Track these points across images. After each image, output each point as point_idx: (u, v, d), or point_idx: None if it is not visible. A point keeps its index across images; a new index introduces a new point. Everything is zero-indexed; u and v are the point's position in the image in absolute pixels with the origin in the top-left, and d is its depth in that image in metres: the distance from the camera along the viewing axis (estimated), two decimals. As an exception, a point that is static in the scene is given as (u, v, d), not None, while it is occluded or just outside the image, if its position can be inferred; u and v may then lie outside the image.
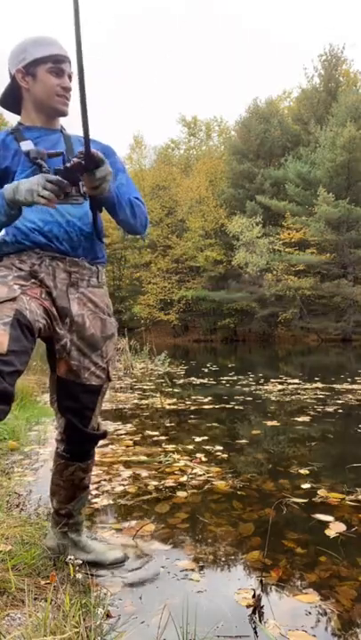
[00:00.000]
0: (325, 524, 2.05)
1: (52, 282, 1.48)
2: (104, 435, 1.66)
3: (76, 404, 1.55)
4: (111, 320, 1.61)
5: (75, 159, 1.35)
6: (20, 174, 1.50)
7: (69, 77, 1.59)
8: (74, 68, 1.55)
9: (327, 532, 1.97)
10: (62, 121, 1.68)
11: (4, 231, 1.50)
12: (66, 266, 1.51)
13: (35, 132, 1.59)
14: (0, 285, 1.37)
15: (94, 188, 1.39)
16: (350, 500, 2.31)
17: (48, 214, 1.49)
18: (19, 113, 1.64)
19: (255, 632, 1.33)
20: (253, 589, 1.48)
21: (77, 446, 1.61)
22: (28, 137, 1.56)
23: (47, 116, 1.61)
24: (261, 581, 1.59)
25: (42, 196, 1.31)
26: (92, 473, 2.74)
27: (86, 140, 1.31)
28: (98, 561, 1.68)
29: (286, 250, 23.55)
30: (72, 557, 1.52)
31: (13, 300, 1.33)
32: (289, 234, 23.75)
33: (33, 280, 1.46)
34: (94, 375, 1.55)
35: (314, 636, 1.32)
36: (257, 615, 1.39)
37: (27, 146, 1.53)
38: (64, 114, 1.62)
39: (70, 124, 1.71)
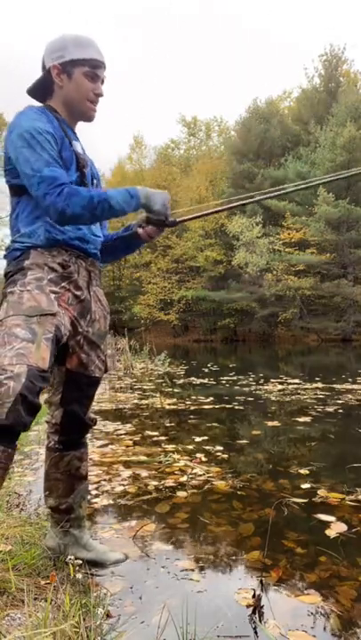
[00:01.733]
0: (326, 524, 2.05)
1: (82, 281, 1.55)
2: (95, 422, 1.74)
3: (81, 394, 1.63)
4: (108, 318, 1.71)
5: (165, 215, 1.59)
6: (71, 177, 1.52)
7: (102, 82, 1.61)
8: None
9: (327, 532, 1.97)
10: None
11: (38, 223, 1.50)
12: (87, 265, 1.59)
13: (70, 132, 1.60)
14: (39, 293, 1.41)
15: (150, 239, 1.69)
16: (350, 500, 2.31)
17: None
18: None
19: (255, 632, 1.33)
20: (253, 589, 1.48)
21: (74, 435, 1.66)
22: (70, 135, 1.58)
23: (74, 117, 1.63)
24: (261, 581, 1.59)
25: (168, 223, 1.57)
26: (93, 473, 2.75)
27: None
28: (99, 560, 1.68)
29: (286, 250, 23.56)
30: (72, 557, 1.52)
31: (54, 315, 1.39)
32: (289, 234, 23.76)
33: (63, 284, 1.49)
34: (98, 368, 1.65)
35: (314, 636, 1.32)
36: (257, 615, 1.39)
37: (79, 149, 1.59)
38: (91, 119, 1.65)
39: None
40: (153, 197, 1.52)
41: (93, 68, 1.56)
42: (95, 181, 1.66)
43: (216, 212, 1.89)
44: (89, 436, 3.86)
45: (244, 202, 2.04)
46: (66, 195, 1.37)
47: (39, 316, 1.36)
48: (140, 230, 1.70)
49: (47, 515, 1.81)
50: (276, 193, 1.97)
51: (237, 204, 2.02)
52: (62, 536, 1.68)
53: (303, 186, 2.12)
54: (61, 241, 1.51)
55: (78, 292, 1.53)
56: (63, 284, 1.49)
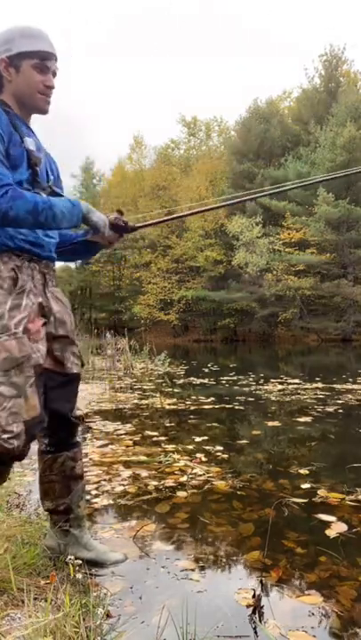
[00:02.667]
0: (326, 524, 2.05)
1: (33, 286, 1.51)
2: (82, 419, 1.75)
3: (63, 392, 1.61)
4: (72, 315, 1.71)
5: (124, 221, 1.63)
6: (22, 175, 1.49)
7: (54, 74, 1.59)
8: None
9: (327, 532, 1.97)
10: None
11: None
12: (41, 267, 1.57)
13: (24, 127, 1.56)
14: (7, 339, 1.37)
15: (109, 244, 1.70)
16: (350, 500, 2.31)
17: None
18: None
19: (255, 632, 1.33)
20: (253, 589, 1.48)
21: (62, 435, 1.66)
22: (22, 130, 1.54)
23: (27, 111, 1.60)
24: (261, 581, 1.59)
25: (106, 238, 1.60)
26: (93, 473, 2.75)
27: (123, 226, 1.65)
28: (99, 560, 1.68)
29: (286, 250, 23.56)
30: (72, 557, 1.52)
31: (29, 357, 1.39)
32: (289, 234, 23.75)
33: (17, 300, 1.44)
34: (75, 364, 1.65)
35: (314, 636, 1.32)
36: (257, 615, 1.39)
37: (31, 144, 1.54)
38: (44, 112, 1.62)
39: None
40: (94, 212, 1.55)
41: (43, 60, 1.54)
42: (51, 179, 1.64)
43: (179, 217, 1.92)
44: (89, 435, 3.87)
45: (215, 206, 2.09)
46: (9, 197, 1.35)
47: (15, 368, 1.36)
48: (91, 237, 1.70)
49: (46, 515, 1.81)
50: (249, 197, 2.03)
51: (210, 208, 2.07)
52: (62, 536, 1.68)
53: (276, 191, 2.16)
54: (12, 246, 1.48)
55: (35, 299, 1.49)
56: (17, 301, 1.44)
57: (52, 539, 1.69)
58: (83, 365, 1.72)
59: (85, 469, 2.83)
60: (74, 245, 1.77)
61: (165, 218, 1.92)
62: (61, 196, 1.61)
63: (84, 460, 3.04)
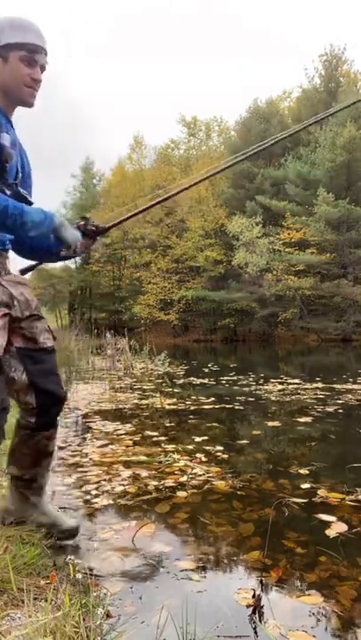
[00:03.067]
0: (326, 524, 2.05)
1: None
2: (66, 394, 1.78)
3: (43, 367, 1.65)
4: (33, 296, 1.73)
5: (94, 225, 1.67)
6: None
7: (42, 68, 1.58)
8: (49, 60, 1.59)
9: (327, 532, 1.97)
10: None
11: None
12: None
13: (3, 120, 1.56)
14: None
15: (85, 248, 1.73)
16: (350, 500, 2.31)
17: None
18: None
19: (255, 632, 1.33)
20: (253, 589, 1.48)
21: (51, 412, 1.70)
22: (2, 123, 1.54)
23: (11, 102, 1.60)
24: (261, 581, 1.59)
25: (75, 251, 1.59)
26: (93, 473, 2.76)
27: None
28: (55, 525, 1.76)
29: (286, 250, 23.56)
30: (31, 521, 1.65)
31: None
32: (289, 234, 23.75)
33: None
34: (47, 338, 1.69)
35: (314, 636, 1.32)
36: (257, 615, 1.39)
37: (5, 140, 1.53)
38: (29, 105, 1.61)
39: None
40: (67, 228, 1.52)
41: (31, 53, 1.53)
42: (19, 176, 1.64)
43: (141, 211, 1.95)
44: (89, 435, 3.87)
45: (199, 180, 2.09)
46: None
47: None
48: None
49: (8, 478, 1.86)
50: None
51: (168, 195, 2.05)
52: (20, 502, 1.74)
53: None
54: None
55: None
56: None
57: (10, 502, 1.76)
58: (54, 339, 1.76)
59: (85, 469, 2.84)
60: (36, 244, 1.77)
61: (134, 212, 1.94)
62: (23, 197, 1.61)
63: (83, 459, 3.05)
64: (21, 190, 1.62)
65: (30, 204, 1.64)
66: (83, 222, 1.70)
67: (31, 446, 1.71)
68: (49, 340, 1.70)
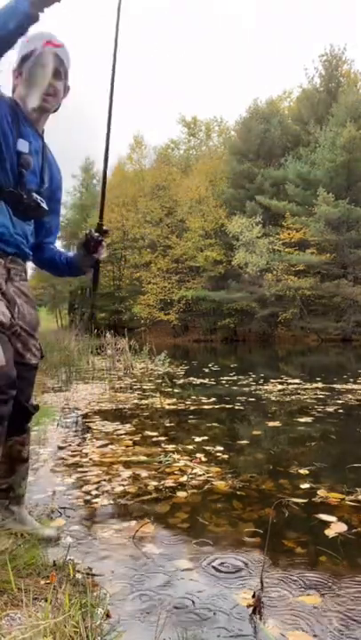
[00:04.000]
0: (326, 524, 2.05)
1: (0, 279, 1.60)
2: (37, 408, 1.81)
3: (21, 383, 1.64)
4: (36, 310, 1.79)
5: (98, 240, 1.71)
6: (4, 173, 1.56)
7: (56, 72, 1.61)
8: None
9: (327, 532, 1.97)
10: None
11: None
12: (7, 262, 1.63)
13: (27, 130, 1.63)
14: None
15: (96, 255, 1.75)
16: (350, 500, 2.31)
17: (6, 220, 1.59)
18: None
19: (255, 632, 1.33)
20: (253, 589, 1.48)
21: (17, 422, 1.69)
22: (23, 131, 1.61)
23: (32, 113, 1.65)
24: (261, 581, 1.58)
25: None
26: (93, 473, 2.76)
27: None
28: (33, 534, 1.76)
29: (286, 250, 23.56)
30: (8, 529, 1.66)
31: None
32: (289, 234, 23.76)
33: None
34: (34, 355, 1.73)
35: (314, 636, 1.32)
36: (257, 615, 1.39)
37: (23, 146, 1.59)
38: (43, 109, 1.65)
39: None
40: None
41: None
42: (45, 187, 1.70)
43: None
44: (89, 435, 3.87)
45: None
46: None
47: None
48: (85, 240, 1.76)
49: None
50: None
51: None
52: (2, 510, 1.76)
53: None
54: None
55: (2, 288, 1.58)
56: None
57: None
58: (42, 357, 1.80)
59: (85, 469, 2.84)
60: (60, 262, 1.86)
61: None
62: (40, 207, 1.65)
63: (83, 459, 3.05)
64: (38, 198, 1.65)
65: (42, 214, 1.68)
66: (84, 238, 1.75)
67: (4, 453, 1.69)
68: (35, 357, 1.74)
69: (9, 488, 1.76)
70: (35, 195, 1.64)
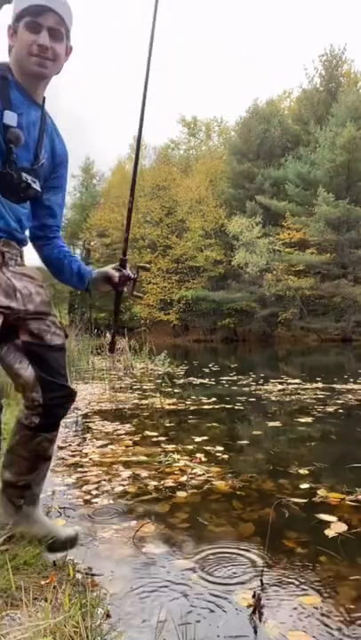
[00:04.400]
0: (326, 524, 2.04)
1: None
2: (75, 393, 1.65)
3: (51, 365, 1.54)
4: (44, 289, 1.62)
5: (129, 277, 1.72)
6: None
7: (54, 32, 1.41)
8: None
9: (327, 531, 1.97)
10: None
11: None
12: (1, 246, 1.50)
13: (19, 100, 1.46)
14: None
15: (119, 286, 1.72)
16: (350, 500, 2.31)
17: None
18: None
19: (255, 632, 1.33)
20: (253, 589, 1.48)
21: (59, 411, 1.59)
22: (14, 102, 1.43)
23: (28, 80, 1.47)
24: (261, 581, 1.58)
25: None
26: (93, 473, 2.76)
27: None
28: (51, 535, 1.62)
29: (286, 250, 23.57)
30: (22, 532, 1.53)
31: None
32: (289, 234, 23.76)
33: None
34: (55, 335, 1.58)
35: (314, 636, 1.32)
36: (257, 615, 1.39)
37: (10, 119, 1.41)
38: (40, 76, 1.46)
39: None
40: None
41: (35, 17, 1.37)
42: (42, 162, 1.53)
43: None
44: (89, 435, 3.87)
45: None
46: None
47: None
48: (112, 272, 1.72)
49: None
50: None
51: None
52: (12, 511, 1.62)
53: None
54: None
55: None
56: None
57: (1, 514, 1.63)
58: (66, 336, 1.65)
59: (85, 469, 2.84)
60: (70, 269, 1.72)
61: None
62: (30, 188, 1.49)
63: (83, 459, 3.05)
64: (29, 178, 1.48)
65: (33, 195, 1.52)
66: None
67: (31, 449, 1.59)
68: (57, 337, 1.58)
69: (26, 485, 1.61)
70: (24, 175, 1.46)
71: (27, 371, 1.52)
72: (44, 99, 1.55)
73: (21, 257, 1.60)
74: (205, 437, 3.66)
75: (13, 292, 1.49)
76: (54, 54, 1.43)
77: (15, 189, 1.46)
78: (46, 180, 1.61)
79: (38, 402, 1.53)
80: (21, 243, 1.60)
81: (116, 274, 1.73)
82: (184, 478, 2.66)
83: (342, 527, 2.00)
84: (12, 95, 1.44)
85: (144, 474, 2.75)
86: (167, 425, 4.21)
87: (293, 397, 5.59)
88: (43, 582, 1.47)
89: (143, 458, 3.08)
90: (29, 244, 1.71)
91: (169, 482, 2.61)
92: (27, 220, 1.60)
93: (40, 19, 1.38)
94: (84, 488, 2.51)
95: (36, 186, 1.51)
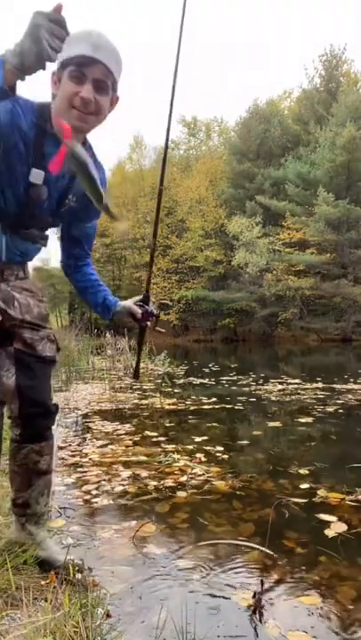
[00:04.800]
0: (325, 524, 2.05)
1: None
2: (57, 408, 1.64)
3: (35, 378, 1.54)
4: (43, 304, 1.63)
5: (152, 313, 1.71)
6: (10, 194, 1.41)
7: (100, 84, 1.32)
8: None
9: (327, 531, 1.97)
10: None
11: None
12: (1, 265, 1.51)
13: (53, 150, 1.33)
14: None
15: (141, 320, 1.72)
16: (350, 500, 2.31)
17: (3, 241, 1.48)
18: None
19: (255, 632, 1.33)
20: (253, 589, 1.48)
21: (36, 425, 1.56)
22: (47, 155, 1.37)
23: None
24: (262, 581, 1.58)
25: (53, 48, 1.08)
26: (93, 473, 2.75)
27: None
28: (50, 561, 1.58)
29: (286, 250, 23.58)
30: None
31: None
32: (289, 234, 23.77)
33: None
34: (47, 347, 1.58)
35: (314, 636, 1.32)
36: (257, 615, 1.39)
37: (36, 177, 1.38)
38: (80, 130, 1.36)
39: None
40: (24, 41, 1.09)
41: (79, 67, 1.28)
42: (69, 204, 1.53)
43: None
44: (88, 435, 3.87)
45: None
46: None
47: None
48: (135, 309, 1.73)
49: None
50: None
51: None
52: (20, 529, 1.61)
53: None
54: None
55: None
56: None
57: (13, 532, 1.63)
58: (58, 350, 1.64)
59: (85, 469, 2.83)
60: (94, 297, 1.76)
61: None
62: (43, 237, 1.56)
63: (83, 459, 3.05)
64: (49, 219, 1.51)
65: (40, 240, 1.56)
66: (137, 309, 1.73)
67: (20, 462, 1.56)
68: (50, 350, 1.58)
69: (25, 503, 1.58)
70: (36, 231, 1.52)
71: (9, 379, 1.51)
72: (84, 141, 1.47)
73: (24, 270, 1.61)
74: (205, 437, 3.66)
75: (12, 300, 1.51)
76: (97, 107, 1.34)
77: (27, 235, 1.51)
78: (75, 215, 1.61)
79: (15, 413, 1.53)
80: (21, 263, 1.60)
81: (139, 310, 1.73)
82: (184, 478, 2.66)
83: (342, 527, 2.00)
84: (47, 148, 1.38)
85: (144, 474, 2.75)
86: (167, 425, 4.21)
87: (293, 397, 5.59)
88: (43, 582, 1.47)
89: (143, 458, 3.08)
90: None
91: (169, 482, 2.61)
92: (35, 250, 1.62)
93: (85, 69, 1.29)
94: (84, 488, 2.51)
95: (47, 232, 1.58)
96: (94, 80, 1.30)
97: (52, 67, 1.31)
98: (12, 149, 1.34)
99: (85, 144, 1.49)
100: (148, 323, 1.76)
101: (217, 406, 5.08)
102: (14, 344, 1.54)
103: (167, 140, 1.77)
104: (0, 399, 1.37)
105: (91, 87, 1.31)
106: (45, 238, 1.60)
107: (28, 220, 1.48)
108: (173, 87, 1.60)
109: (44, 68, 1.12)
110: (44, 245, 1.62)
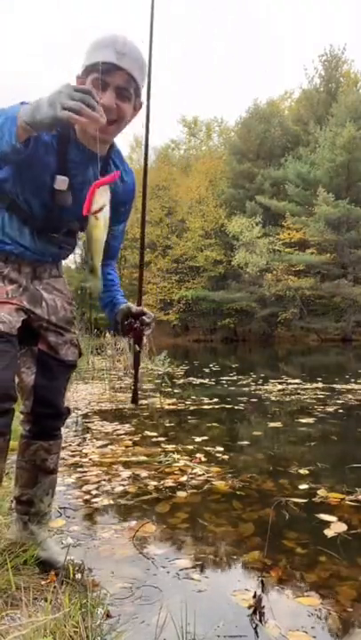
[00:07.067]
0: (325, 524, 2.04)
1: (17, 275, 1.48)
2: (69, 411, 1.67)
3: (53, 380, 1.57)
4: (71, 306, 1.65)
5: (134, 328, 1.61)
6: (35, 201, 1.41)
7: (122, 91, 1.31)
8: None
9: (327, 531, 1.97)
10: None
11: None
12: (31, 261, 1.51)
13: (79, 159, 1.37)
14: None
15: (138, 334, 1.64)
16: (350, 500, 2.31)
17: (26, 241, 1.47)
18: None
19: (255, 632, 1.33)
20: (253, 590, 1.48)
21: (45, 424, 1.59)
22: (72, 162, 1.37)
23: (88, 139, 1.34)
24: (262, 581, 1.58)
25: (67, 108, 1.05)
26: (93, 473, 2.75)
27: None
28: (51, 561, 1.58)
29: (286, 250, 23.59)
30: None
31: None
32: (289, 234, 23.78)
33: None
34: (71, 352, 1.60)
35: (314, 636, 1.32)
36: (257, 615, 1.39)
37: (60, 184, 1.36)
38: (102, 140, 1.33)
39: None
40: (39, 104, 1.11)
41: (103, 74, 1.26)
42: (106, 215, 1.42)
43: None
44: (88, 435, 3.87)
45: None
46: None
47: None
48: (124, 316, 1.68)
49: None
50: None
51: None
52: (22, 529, 1.62)
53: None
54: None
55: (12, 286, 1.45)
56: None
57: (13, 532, 1.64)
58: (80, 355, 1.66)
59: (85, 469, 2.83)
60: (109, 300, 1.76)
61: None
62: (68, 243, 1.56)
63: (83, 459, 3.05)
64: (75, 224, 1.50)
65: (62, 246, 1.55)
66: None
67: (28, 458, 1.59)
68: (72, 354, 1.60)
69: (29, 501, 1.59)
70: (62, 237, 1.52)
71: (29, 377, 1.55)
72: (110, 147, 1.47)
73: (57, 268, 1.62)
74: (205, 437, 3.66)
75: (40, 300, 1.52)
76: (119, 114, 1.33)
77: (53, 239, 1.51)
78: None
79: (27, 410, 1.58)
80: (52, 262, 1.59)
81: (127, 321, 1.68)
82: (184, 478, 2.66)
83: (342, 527, 2.00)
84: (71, 155, 1.37)
85: (144, 474, 2.75)
86: (167, 425, 4.21)
87: (293, 397, 5.59)
88: (43, 582, 1.47)
89: (143, 458, 3.08)
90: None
91: (169, 482, 2.61)
92: (66, 252, 1.62)
93: (107, 77, 1.27)
94: (84, 488, 2.51)
95: (76, 237, 1.58)
96: (117, 87, 1.30)
97: (76, 70, 1.34)
98: (38, 162, 1.34)
99: (113, 148, 1.50)
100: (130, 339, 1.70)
101: (217, 406, 5.08)
102: (39, 345, 1.56)
103: (146, 139, 1.69)
104: (13, 395, 1.34)
105: (113, 94, 1.30)
106: (72, 244, 1.59)
107: (56, 224, 1.49)
108: (149, 85, 1.50)
109: (52, 131, 1.17)
110: (71, 251, 1.63)
